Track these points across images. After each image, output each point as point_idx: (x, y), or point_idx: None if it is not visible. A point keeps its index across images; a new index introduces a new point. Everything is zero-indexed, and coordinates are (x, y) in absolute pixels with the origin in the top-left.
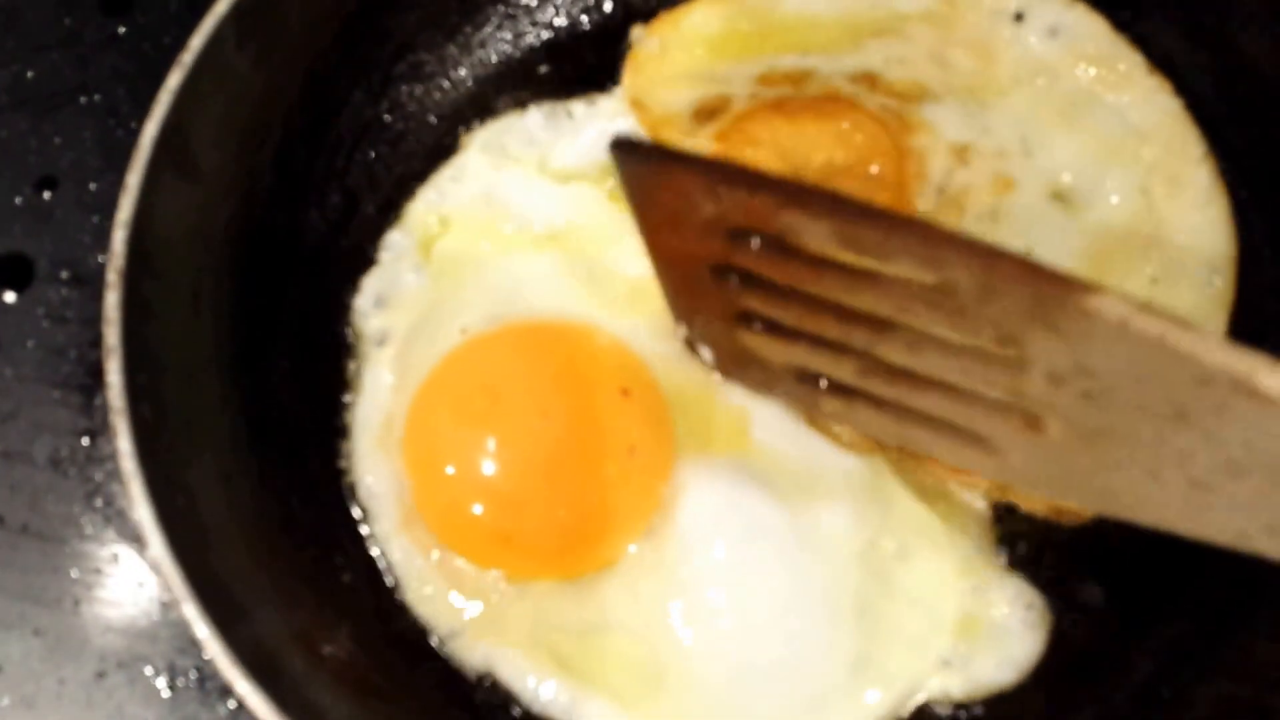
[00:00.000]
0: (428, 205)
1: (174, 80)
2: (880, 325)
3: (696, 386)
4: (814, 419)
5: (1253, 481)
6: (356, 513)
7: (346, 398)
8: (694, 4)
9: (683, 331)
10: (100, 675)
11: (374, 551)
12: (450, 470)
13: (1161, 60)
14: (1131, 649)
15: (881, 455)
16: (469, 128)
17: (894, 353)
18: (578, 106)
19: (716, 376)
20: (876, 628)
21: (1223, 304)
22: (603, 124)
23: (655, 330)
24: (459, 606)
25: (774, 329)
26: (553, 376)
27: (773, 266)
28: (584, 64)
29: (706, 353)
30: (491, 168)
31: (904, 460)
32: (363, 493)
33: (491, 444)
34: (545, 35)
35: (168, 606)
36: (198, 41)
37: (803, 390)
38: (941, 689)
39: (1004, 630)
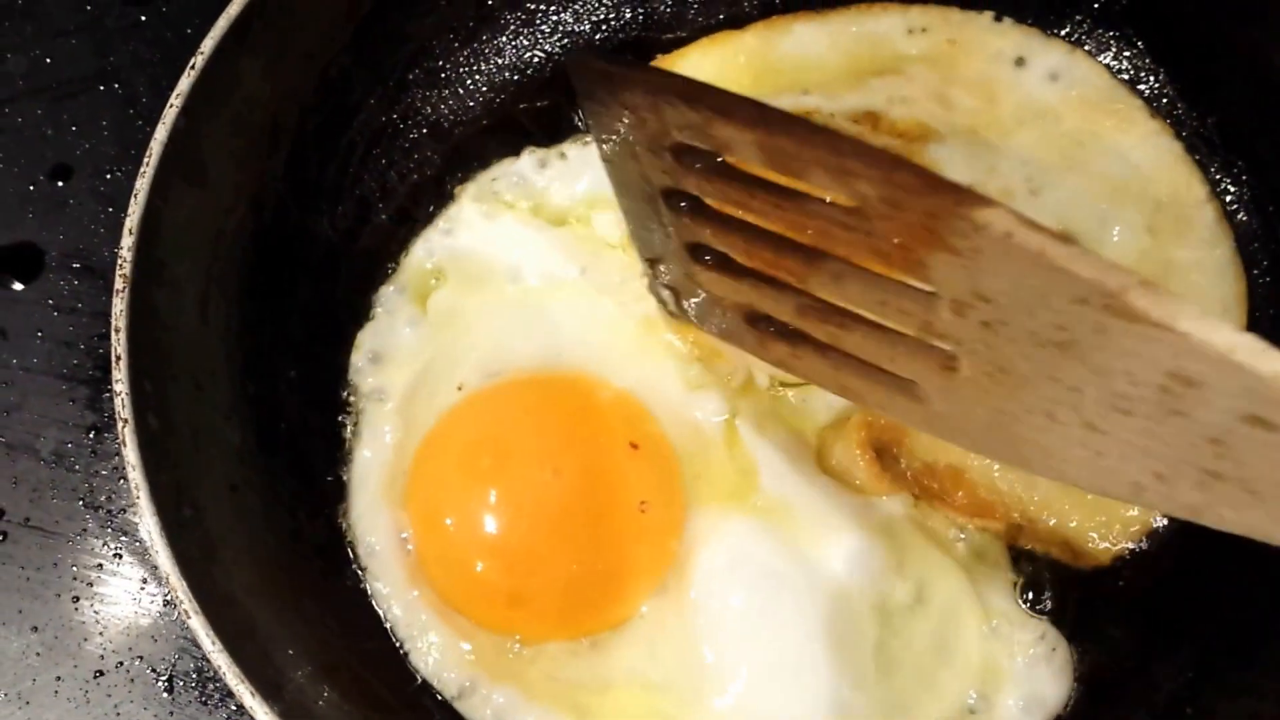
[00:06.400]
0: (423, 256)
1: (184, 85)
2: (809, 255)
3: (703, 436)
4: (825, 466)
5: (1138, 420)
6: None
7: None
8: (690, 46)
9: (646, 277)
10: (98, 674)
11: (379, 612)
12: (458, 533)
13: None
14: (1154, 669)
15: (897, 499)
16: (461, 179)
17: (823, 286)
18: (571, 149)
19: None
20: (897, 676)
21: None
22: (598, 165)
23: (660, 381)
24: (469, 668)
25: (723, 265)
26: (560, 431)
27: (713, 188)
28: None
29: (669, 296)
30: (484, 217)
31: (919, 504)
32: (363, 551)
33: (500, 504)
34: (563, 43)
35: (169, 606)
36: (208, 45)
37: (754, 335)
38: None
39: (1028, 674)
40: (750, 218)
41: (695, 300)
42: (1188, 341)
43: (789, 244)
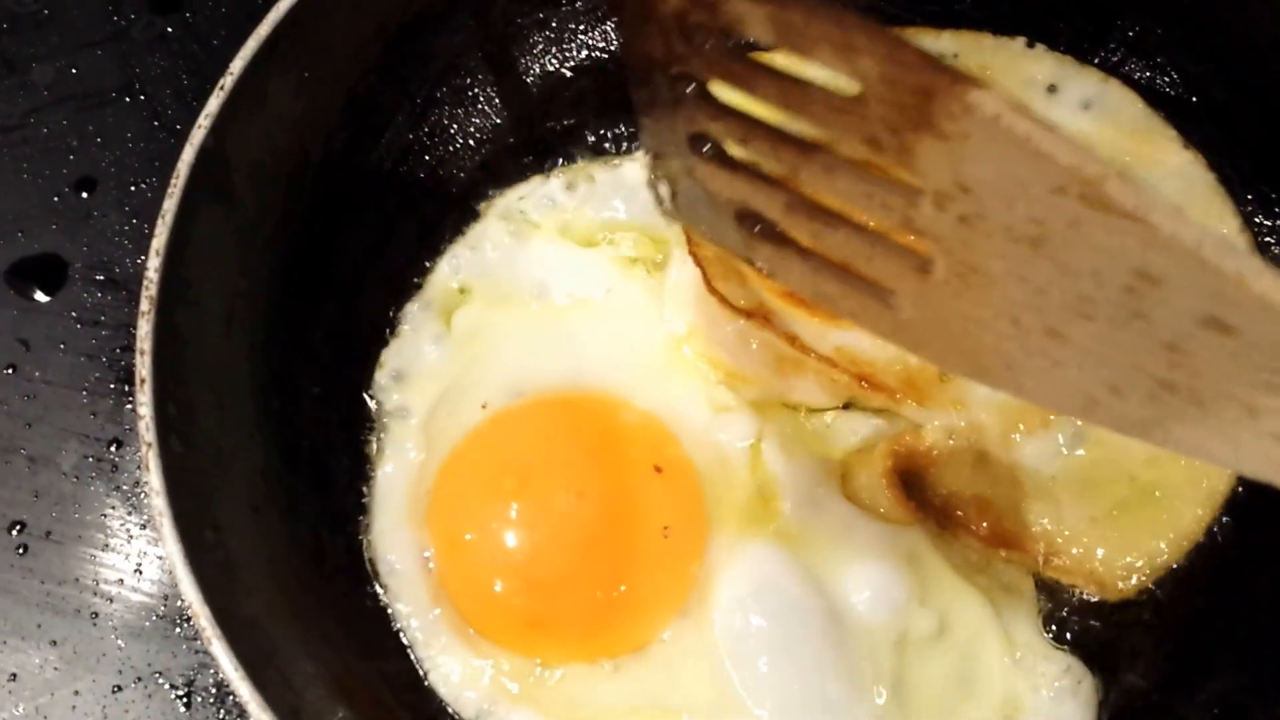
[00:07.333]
0: (448, 273)
1: (213, 105)
2: (803, 146)
3: (727, 460)
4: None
5: (1098, 325)
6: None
7: (367, 473)
8: None
9: (648, 168)
10: (116, 689)
11: (399, 631)
12: (481, 553)
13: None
14: (1180, 704)
15: (921, 528)
16: (487, 196)
17: (813, 177)
18: (599, 170)
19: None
20: (918, 707)
21: None
22: (626, 188)
23: (685, 403)
24: (488, 690)
25: (720, 158)
26: (584, 453)
27: (723, 69)
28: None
29: (665, 192)
30: (511, 235)
31: (944, 534)
32: (384, 570)
33: (523, 525)
34: (593, 56)
35: (188, 621)
36: (238, 65)
37: (741, 235)
38: None
39: (1053, 708)
40: (753, 99)
41: (689, 196)
42: (1157, 235)
43: (785, 135)
